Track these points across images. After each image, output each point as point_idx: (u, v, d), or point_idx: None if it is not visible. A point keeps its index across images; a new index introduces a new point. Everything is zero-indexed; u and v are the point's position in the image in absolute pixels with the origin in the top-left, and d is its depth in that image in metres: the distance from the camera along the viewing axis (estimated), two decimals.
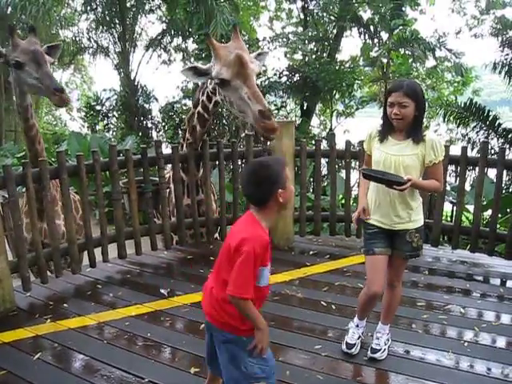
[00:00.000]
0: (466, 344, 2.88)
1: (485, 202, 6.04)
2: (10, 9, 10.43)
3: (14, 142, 13.83)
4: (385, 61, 11.11)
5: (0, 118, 14.46)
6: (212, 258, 4.31)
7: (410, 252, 2.63)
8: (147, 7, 12.76)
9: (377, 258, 2.64)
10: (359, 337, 2.84)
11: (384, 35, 11.18)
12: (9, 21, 11.78)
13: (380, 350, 2.73)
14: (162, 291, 3.68)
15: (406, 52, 11.19)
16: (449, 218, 7.46)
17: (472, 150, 9.39)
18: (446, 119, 10.27)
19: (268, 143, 4.74)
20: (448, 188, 6.46)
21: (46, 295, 3.63)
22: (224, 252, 1.90)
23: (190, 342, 2.92)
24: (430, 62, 12.43)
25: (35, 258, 3.67)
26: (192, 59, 12.39)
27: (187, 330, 3.13)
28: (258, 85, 3.69)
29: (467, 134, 10.46)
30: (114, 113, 13.11)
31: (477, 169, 4.43)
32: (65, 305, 3.48)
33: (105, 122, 13.17)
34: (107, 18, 12.38)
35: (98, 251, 4.12)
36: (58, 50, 3.97)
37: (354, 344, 2.79)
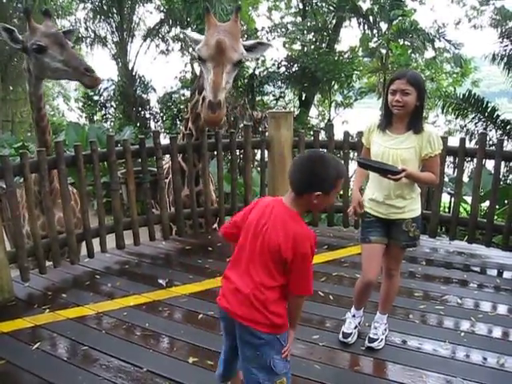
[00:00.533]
0: (462, 334, 2.90)
1: (482, 193, 6.05)
2: None
3: (11, 132, 13.77)
4: (384, 51, 11.06)
5: None
6: (210, 249, 4.33)
7: (406, 241, 2.64)
8: None
9: (372, 247, 2.66)
10: (356, 326, 2.85)
11: (383, 26, 11.12)
12: (5, 10, 11.70)
13: (377, 339, 2.74)
14: (161, 281, 3.69)
15: (405, 43, 11.15)
16: (447, 209, 7.48)
17: (470, 141, 9.38)
18: (445, 110, 10.24)
19: (266, 134, 4.74)
20: (446, 179, 6.47)
21: (45, 285, 3.64)
22: (265, 252, 1.80)
23: (188, 332, 2.94)
24: (429, 53, 12.39)
25: (33, 249, 3.67)
26: (190, 49, 12.33)
27: (185, 320, 3.14)
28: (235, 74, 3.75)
29: (466, 126, 10.46)
30: (112, 103, 13.05)
31: (475, 160, 4.43)
32: (63, 295, 3.48)
33: (103, 112, 13.11)
34: (104, 8, 12.29)
35: (96, 241, 4.12)
36: (73, 36, 3.90)
37: (351, 333, 2.81)
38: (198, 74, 4.22)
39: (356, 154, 5.29)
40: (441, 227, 5.50)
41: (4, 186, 3.90)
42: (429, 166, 2.58)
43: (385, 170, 2.46)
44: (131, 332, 2.97)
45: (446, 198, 7.26)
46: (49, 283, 3.68)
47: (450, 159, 7.68)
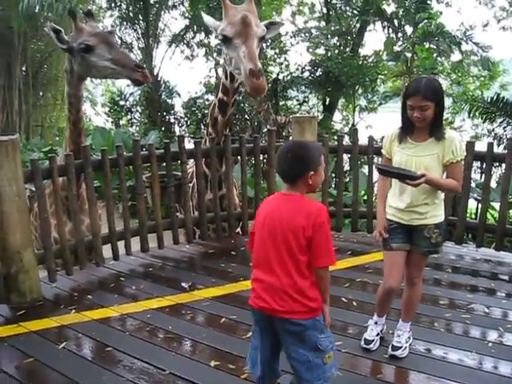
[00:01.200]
0: (489, 344, 2.83)
1: (511, 200, 5.91)
2: (37, 7, 10.62)
3: (40, 137, 14.12)
4: (409, 55, 10.93)
5: (28, 113, 14.79)
6: (233, 253, 4.34)
7: (428, 248, 2.61)
8: (170, 3, 12.84)
9: (394, 254, 2.64)
10: (378, 334, 2.82)
11: (408, 29, 10.98)
12: (37, 19, 12.03)
13: (401, 347, 2.70)
14: (184, 285, 3.72)
15: (431, 46, 10.99)
16: (473, 216, 7.33)
17: (498, 146, 9.18)
18: (472, 114, 10.05)
19: (290, 138, 4.74)
20: (473, 185, 6.34)
21: (71, 286, 3.72)
22: (289, 241, 1.89)
23: (210, 336, 2.95)
24: (456, 56, 12.19)
25: (60, 251, 3.75)
26: (214, 54, 12.43)
27: (208, 323, 3.16)
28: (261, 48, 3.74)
29: (493, 130, 10.23)
30: (138, 108, 13.24)
31: (503, 165, 4.34)
32: (89, 296, 3.55)
33: (128, 116, 13.31)
34: (131, 15, 12.50)
35: (121, 244, 4.19)
36: (113, 36, 3.94)
37: (373, 340, 2.78)
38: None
39: (380, 159, 5.24)
40: (467, 234, 5.39)
41: (33, 189, 4.01)
42: (451, 173, 2.54)
43: (403, 176, 2.45)
44: (154, 334, 3.00)
45: (472, 204, 7.11)
46: (75, 284, 3.75)
47: (477, 164, 7.53)
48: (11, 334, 3.03)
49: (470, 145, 4.17)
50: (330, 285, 2.00)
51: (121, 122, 13.47)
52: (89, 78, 4.21)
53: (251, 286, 2.03)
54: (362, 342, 2.80)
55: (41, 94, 15.85)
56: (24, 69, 14.52)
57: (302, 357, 1.96)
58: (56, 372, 2.62)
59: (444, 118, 2.64)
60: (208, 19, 4.16)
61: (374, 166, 2.65)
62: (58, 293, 3.64)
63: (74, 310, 3.32)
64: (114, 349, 2.83)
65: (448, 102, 11.11)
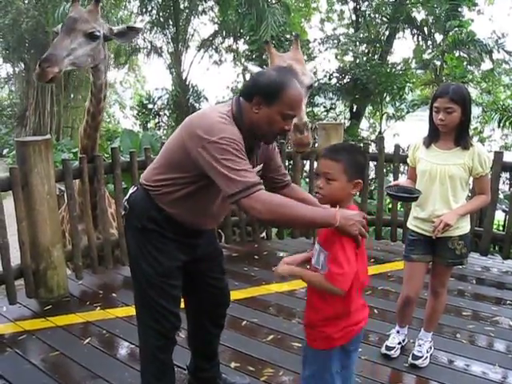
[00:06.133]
0: None
1: None
2: None
3: (70, 138, 14.45)
4: (438, 63, 10.82)
5: (59, 115, 15.17)
6: (256, 257, 4.37)
7: (452, 259, 2.58)
8: (200, 9, 13.04)
9: (414, 265, 2.63)
10: (399, 342, 2.80)
11: (438, 37, 10.89)
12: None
13: (422, 357, 2.68)
14: None
15: (461, 54, 10.84)
16: (501, 227, 7.17)
17: None
18: (502, 124, 9.86)
19: (316, 145, 4.75)
20: (501, 196, 6.23)
21: (97, 284, 3.81)
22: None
23: (231, 338, 2.98)
24: (487, 65, 11.98)
25: (88, 249, 3.85)
26: (242, 60, 12.54)
27: (229, 325, 3.16)
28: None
29: None
30: (166, 111, 13.46)
31: None
32: (113, 294, 3.63)
33: (156, 120, 13.54)
34: (161, 20, 12.74)
35: None
36: (136, 34, 3.98)
37: (394, 347, 2.77)
38: None
39: (406, 167, 5.20)
40: (493, 246, 5.29)
41: (63, 188, 4.12)
42: (480, 186, 2.54)
43: (404, 198, 2.53)
44: (176, 334, 3.04)
45: (500, 216, 6.97)
46: (100, 282, 3.84)
47: (505, 175, 7.37)
48: (39, 327, 3.13)
49: (497, 155, 4.10)
50: None
51: (149, 125, 13.70)
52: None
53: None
54: (383, 349, 2.79)
55: (72, 95, 16.25)
56: None
57: None
58: (80, 366, 2.69)
59: (473, 127, 2.63)
60: (254, 68, 4.17)
61: (384, 189, 2.66)
62: (83, 290, 3.73)
63: (98, 307, 3.40)
64: (136, 346, 2.86)
65: (477, 111, 10.92)
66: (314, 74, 11.63)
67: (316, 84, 11.12)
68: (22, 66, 15.51)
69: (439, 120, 2.45)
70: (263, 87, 1.86)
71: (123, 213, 2.10)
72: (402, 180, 3.03)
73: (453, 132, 2.48)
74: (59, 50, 3.24)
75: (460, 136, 2.48)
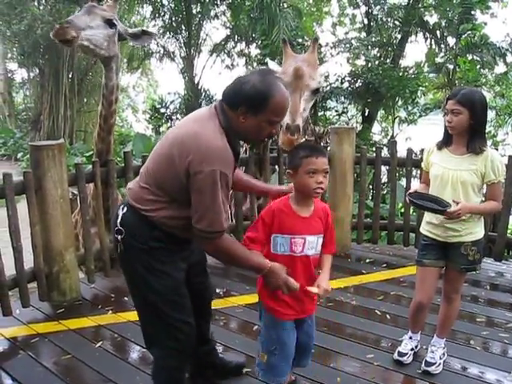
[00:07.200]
0: None
1: None
2: None
3: (83, 142, 14.60)
4: (451, 67, 10.72)
5: (72, 119, 15.35)
6: None
7: (465, 265, 2.56)
8: (212, 13, 13.11)
9: (426, 270, 2.62)
10: (412, 348, 2.78)
11: (451, 40, 10.80)
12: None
13: (435, 363, 2.65)
14: (218, 291, 3.76)
15: (474, 58, 10.75)
16: None
17: None
18: None
19: (328, 149, 4.73)
20: None
21: (109, 288, 3.83)
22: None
23: (242, 342, 2.98)
24: (500, 68, 11.86)
25: (100, 252, 3.87)
26: (255, 64, 12.56)
27: (240, 330, 3.19)
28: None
29: None
30: (178, 115, 13.51)
31: None
32: (125, 298, 3.63)
33: (168, 124, 13.60)
34: (174, 25, 12.83)
35: None
36: (150, 39, 3.99)
37: (406, 353, 2.74)
38: None
39: (419, 171, 5.17)
40: (508, 251, 5.22)
41: (76, 192, 4.15)
42: (491, 193, 2.51)
43: (435, 210, 2.44)
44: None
45: None
46: (112, 286, 3.86)
47: None
48: (52, 330, 3.15)
49: (511, 159, 4.06)
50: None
51: (161, 129, 13.77)
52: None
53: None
54: (396, 355, 2.77)
55: (85, 100, 16.44)
56: (70, 76, 15.12)
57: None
58: (92, 369, 2.71)
59: (486, 131, 2.61)
60: (270, 66, 4.20)
61: (406, 196, 2.66)
62: (95, 293, 3.75)
63: (110, 311, 3.42)
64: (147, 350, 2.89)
65: (491, 114, 10.81)
66: (326, 77, 11.64)
67: (328, 88, 11.12)
68: (37, 71, 15.73)
69: (447, 122, 2.46)
70: (248, 98, 1.87)
71: (119, 237, 2.02)
72: (416, 185, 3.01)
73: (465, 136, 2.46)
74: (77, 21, 3.29)
75: (472, 141, 2.45)
